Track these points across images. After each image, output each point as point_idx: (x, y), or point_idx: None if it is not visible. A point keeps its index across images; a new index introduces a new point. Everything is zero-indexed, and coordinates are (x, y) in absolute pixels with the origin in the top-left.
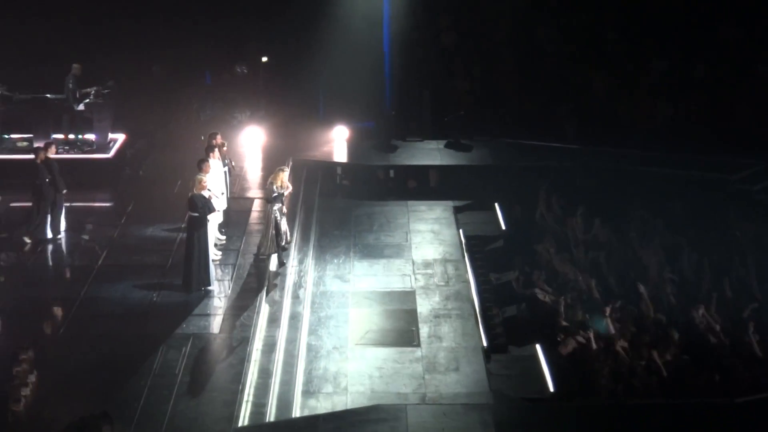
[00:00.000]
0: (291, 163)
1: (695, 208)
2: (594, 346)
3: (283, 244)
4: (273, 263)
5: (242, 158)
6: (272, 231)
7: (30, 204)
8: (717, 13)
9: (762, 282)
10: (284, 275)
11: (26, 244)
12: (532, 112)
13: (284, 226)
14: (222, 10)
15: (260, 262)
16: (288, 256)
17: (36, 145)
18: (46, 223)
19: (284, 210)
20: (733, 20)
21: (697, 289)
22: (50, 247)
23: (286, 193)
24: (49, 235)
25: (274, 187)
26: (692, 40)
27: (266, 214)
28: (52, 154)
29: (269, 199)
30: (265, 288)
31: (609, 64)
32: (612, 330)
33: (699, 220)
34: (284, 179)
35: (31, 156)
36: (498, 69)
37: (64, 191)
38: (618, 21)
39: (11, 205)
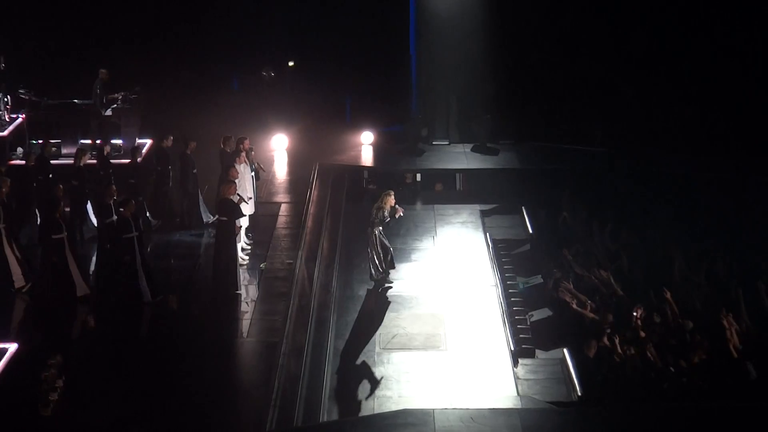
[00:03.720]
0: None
1: (724, 210)
2: (619, 350)
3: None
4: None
5: (269, 163)
6: (380, 252)
7: None
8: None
9: None
10: (313, 281)
11: None
12: (559, 114)
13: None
14: (249, 15)
15: (287, 267)
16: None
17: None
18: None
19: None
20: None
21: (726, 293)
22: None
23: (397, 217)
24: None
25: (385, 213)
26: (714, 44)
27: (369, 239)
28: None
29: (375, 224)
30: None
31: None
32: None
33: (728, 223)
34: (392, 203)
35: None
36: (524, 71)
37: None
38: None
39: None
